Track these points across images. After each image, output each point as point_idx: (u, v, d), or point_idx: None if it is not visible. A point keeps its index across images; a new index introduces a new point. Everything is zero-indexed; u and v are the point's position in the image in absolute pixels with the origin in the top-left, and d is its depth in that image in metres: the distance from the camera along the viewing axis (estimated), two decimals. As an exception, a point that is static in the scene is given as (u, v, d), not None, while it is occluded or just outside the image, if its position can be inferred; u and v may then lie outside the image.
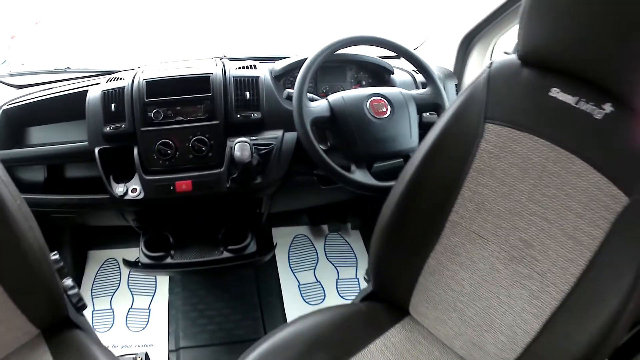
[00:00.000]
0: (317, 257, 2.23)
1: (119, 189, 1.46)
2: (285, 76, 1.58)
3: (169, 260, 1.53)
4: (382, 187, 1.32)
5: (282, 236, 2.31)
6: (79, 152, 1.53)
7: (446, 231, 1.01)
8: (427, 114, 1.53)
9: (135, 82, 1.46)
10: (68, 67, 1.83)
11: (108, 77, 1.57)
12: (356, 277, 2.15)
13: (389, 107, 1.37)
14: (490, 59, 1.74)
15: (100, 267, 2.24)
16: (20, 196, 1.10)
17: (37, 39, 2.41)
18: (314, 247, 2.28)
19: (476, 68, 1.78)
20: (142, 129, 1.44)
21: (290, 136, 1.48)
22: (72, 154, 1.55)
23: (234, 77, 1.48)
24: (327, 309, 1.19)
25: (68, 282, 1.26)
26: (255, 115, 1.47)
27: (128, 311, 2.05)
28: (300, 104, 1.32)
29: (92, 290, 2.13)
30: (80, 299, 1.28)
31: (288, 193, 1.67)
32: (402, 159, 1.43)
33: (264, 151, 1.44)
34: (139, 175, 1.45)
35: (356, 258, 2.24)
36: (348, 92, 1.40)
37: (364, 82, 1.68)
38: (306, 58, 1.41)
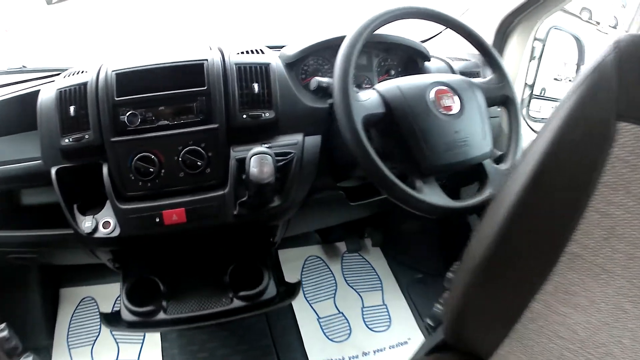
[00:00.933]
0: (336, 283, 1.94)
1: (85, 224, 1.12)
2: (299, 64, 1.27)
3: (161, 315, 1.18)
4: (466, 209, 1.04)
5: (291, 259, 2.02)
6: (30, 174, 1.18)
7: (561, 266, 0.81)
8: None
9: (102, 76, 1.11)
10: (24, 67, 1.50)
11: (67, 72, 1.22)
12: (383, 304, 1.87)
13: (457, 100, 1.06)
14: (533, 44, 1.53)
15: (76, 309, 1.90)
16: None
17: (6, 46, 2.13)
18: (330, 270, 1.99)
19: (515, 55, 1.55)
20: (113, 139, 1.09)
21: (313, 141, 1.18)
22: (22, 177, 1.20)
23: (236, 64, 1.14)
24: None
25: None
26: (267, 114, 1.14)
27: None
28: (347, 96, 0.97)
29: (68, 338, 1.78)
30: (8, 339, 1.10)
31: (305, 213, 1.35)
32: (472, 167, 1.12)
33: (282, 163, 1.12)
34: (111, 204, 1.11)
35: (380, 280, 1.96)
36: (403, 81, 1.08)
37: (392, 72, 1.37)
38: (341, 36, 1.09)
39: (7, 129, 1.30)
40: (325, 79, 1.07)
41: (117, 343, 1.76)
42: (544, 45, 1.51)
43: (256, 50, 1.20)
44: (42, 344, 1.74)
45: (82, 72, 1.16)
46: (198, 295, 1.23)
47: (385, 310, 1.85)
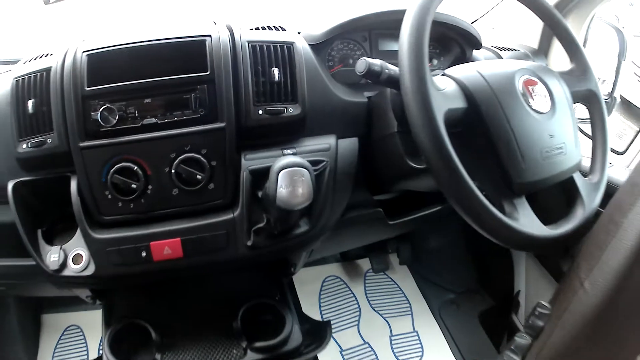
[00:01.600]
0: (359, 307, 1.73)
1: (51, 257, 0.88)
2: (326, 48, 1.05)
3: None
4: (567, 237, 0.82)
5: (306, 281, 1.81)
6: None
7: None
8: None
9: (69, 59, 0.87)
10: None
11: (30, 56, 0.98)
12: (414, 330, 1.68)
13: (546, 94, 0.85)
14: (587, 34, 1.35)
15: (60, 338, 1.70)
16: None
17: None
18: (352, 292, 1.78)
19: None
20: (82, 144, 0.84)
21: (348, 146, 0.97)
22: None
23: (249, 42, 0.90)
24: None
25: None
26: (291, 110, 0.90)
27: None
28: (425, 82, 0.72)
29: None
30: None
31: (331, 235, 1.11)
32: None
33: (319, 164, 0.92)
34: (82, 231, 0.86)
35: (409, 303, 1.75)
36: (483, 66, 0.85)
37: (434, 61, 1.16)
38: (379, 12, 0.98)
39: None
40: (377, 61, 0.82)
41: None
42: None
43: (275, 27, 0.97)
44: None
45: (47, 55, 0.92)
46: (200, 345, 0.99)
47: (417, 338, 1.66)
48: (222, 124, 0.84)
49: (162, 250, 0.84)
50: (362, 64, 0.79)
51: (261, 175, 0.84)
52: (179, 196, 0.85)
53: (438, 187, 0.73)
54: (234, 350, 0.97)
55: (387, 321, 1.69)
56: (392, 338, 1.65)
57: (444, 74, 0.82)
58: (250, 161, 0.87)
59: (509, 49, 1.25)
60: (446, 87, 0.78)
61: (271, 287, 1.07)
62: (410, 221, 1.14)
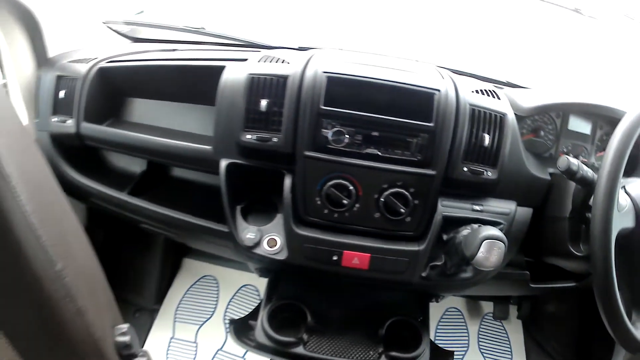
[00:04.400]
0: (468, 344, 1.83)
1: (248, 234, 1.03)
2: (530, 117, 1.14)
3: (299, 349, 1.06)
4: None
5: (432, 305, 1.86)
6: (196, 158, 1.11)
7: None
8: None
9: (309, 73, 0.99)
10: (202, 28, 1.46)
11: (262, 54, 1.11)
12: None
13: None
14: None
15: (195, 284, 1.89)
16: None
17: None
18: (467, 329, 1.88)
19: None
20: (307, 152, 0.98)
21: (524, 214, 1.06)
22: (186, 158, 1.13)
23: (471, 105, 1.00)
24: None
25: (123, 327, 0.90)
26: (489, 173, 1.00)
27: (216, 353, 1.71)
28: (611, 201, 0.82)
29: (176, 311, 1.78)
30: (128, 347, 0.93)
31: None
32: None
33: None
34: (285, 223, 1.02)
35: (512, 355, 1.82)
36: None
37: None
38: (612, 109, 1.02)
39: (175, 95, 1.27)
40: (575, 161, 0.90)
41: (226, 333, 1.74)
42: None
43: (492, 93, 1.06)
44: (149, 307, 1.76)
45: (282, 61, 1.04)
46: (343, 339, 1.11)
47: None
48: (434, 172, 0.95)
49: (351, 259, 0.98)
50: (564, 162, 0.89)
51: (450, 222, 0.96)
52: (379, 220, 0.98)
53: (590, 282, 0.85)
54: (370, 352, 1.07)
55: None
56: None
57: (623, 187, 0.90)
58: (445, 208, 0.98)
59: None
60: (625, 206, 0.86)
61: (417, 308, 1.17)
62: (548, 288, 1.20)
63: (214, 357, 1.69)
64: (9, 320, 0.66)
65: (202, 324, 1.77)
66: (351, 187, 0.96)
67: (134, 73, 1.26)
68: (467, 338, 1.83)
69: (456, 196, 1.00)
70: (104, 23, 1.53)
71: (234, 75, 1.04)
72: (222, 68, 1.08)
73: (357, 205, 0.97)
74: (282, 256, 1.01)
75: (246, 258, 1.11)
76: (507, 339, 1.85)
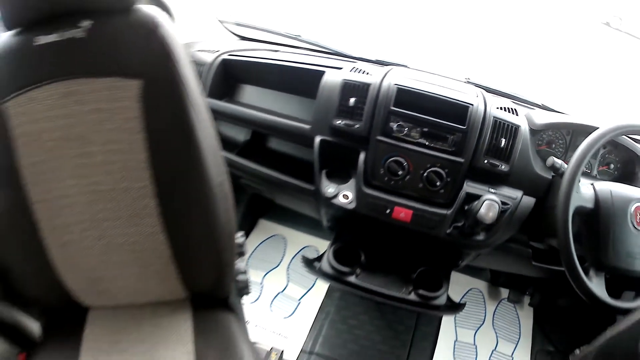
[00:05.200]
0: (484, 320, 2.14)
1: (329, 189, 1.43)
2: (542, 132, 1.47)
3: (352, 278, 1.46)
4: (617, 308, 1.22)
5: (458, 283, 2.25)
6: (296, 134, 1.52)
7: None
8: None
9: (385, 84, 1.40)
10: (299, 36, 1.85)
11: (352, 65, 1.53)
12: (511, 356, 2.03)
13: None
14: None
15: (265, 240, 2.31)
16: (225, 173, 1.11)
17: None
18: (485, 307, 2.19)
19: None
20: (378, 137, 1.39)
21: (528, 201, 1.39)
22: (288, 132, 1.55)
23: (494, 117, 1.38)
24: None
25: (241, 264, 1.29)
26: (503, 167, 1.36)
27: (277, 295, 2.10)
28: (572, 186, 1.19)
29: (249, 259, 2.18)
30: (247, 286, 1.31)
31: (492, 252, 1.56)
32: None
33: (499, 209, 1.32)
34: (356, 184, 1.41)
35: (519, 336, 2.11)
36: (617, 187, 1.27)
37: (611, 166, 1.53)
38: (582, 125, 1.34)
39: (278, 86, 1.67)
40: (559, 161, 1.25)
41: (288, 280, 2.15)
42: None
43: (512, 110, 1.43)
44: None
45: (367, 73, 1.46)
46: (386, 276, 1.48)
47: None
48: (462, 160, 1.34)
49: (399, 213, 1.36)
50: (550, 160, 1.27)
51: (470, 197, 1.33)
52: (421, 189, 1.36)
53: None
54: (403, 288, 1.44)
55: (497, 339, 2.06)
56: (494, 352, 2.02)
57: (591, 184, 1.26)
58: (468, 187, 1.35)
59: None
60: (587, 193, 1.23)
61: (441, 265, 1.53)
62: (547, 270, 1.49)
63: (275, 297, 2.09)
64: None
65: (269, 271, 2.18)
66: (405, 164, 1.36)
67: (248, 66, 1.68)
68: (484, 315, 2.12)
69: (478, 180, 1.36)
70: (219, 21, 1.94)
71: (333, 78, 1.47)
72: (321, 72, 1.51)
73: (407, 176, 1.37)
74: (351, 206, 1.40)
75: (325, 207, 1.49)
76: (517, 322, 2.13)
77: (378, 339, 1.95)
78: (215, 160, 1.07)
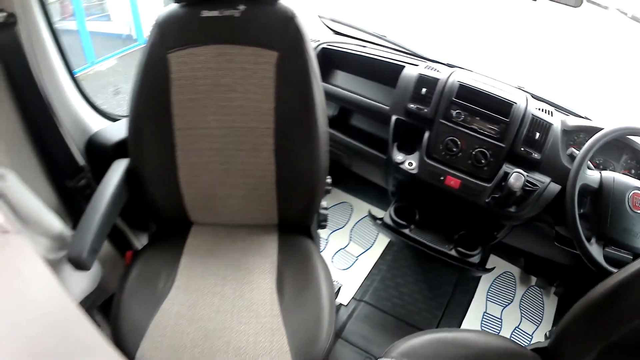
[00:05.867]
0: (512, 300, 2.35)
1: (398, 157, 1.80)
2: (572, 133, 1.71)
3: (407, 231, 1.85)
4: (604, 270, 1.46)
5: (495, 265, 2.42)
6: (377, 112, 1.90)
7: None
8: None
9: (450, 80, 1.76)
10: (384, 36, 2.22)
11: (426, 64, 1.89)
12: (531, 335, 2.22)
13: None
14: None
15: (335, 205, 2.72)
16: (327, 128, 1.49)
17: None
18: (515, 290, 2.41)
19: None
20: (441, 120, 1.75)
21: (554, 187, 1.64)
22: (371, 110, 1.93)
23: (532, 115, 1.67)
24: (499, 336, 1.37)
25: (324, 203, 1.65)
26: (535, 155, 1.65)
27: (339, 250, 2.47)
28: (580, 167, 1.49)
29: None
30: (325, 220, 1.67)
31: (523, 231, 1.86)
32: (632, 256, 1.55)
33: (528, 189, 1.62)
34: (420, 155, 1.77)
35: (541, 320, 2.30)
36: (620, 176, 1.53)
37: (632, 171, 1.73)
38: (600, 128, 1.56)
39: (365, 74, 2.04)
40: (576, 151, 1.55)
41: (350, 239, 2.53)
42: None
43: (548, 111, 1.72)
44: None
45: (437, 70, 1.82)
46: (434, 233, 1.86)
47: (529, 340, 2.20)
48: (503, 145, 1.66)
49: (450, 182, 1.70)
50: (569, 151, 1.61)
51: (507, 176, 1.62)
52: (469, 165, 1.70)
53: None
54: (446, 245, 1.82)
55: (521, 318, 2.26)
56: (516, 329, 2.22)
57: (599, 171, 1.53)
58: (506, 167, 1.65)
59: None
60: (593, 175, 1.51)
61: (480, 234, 1.87)
62: (566, 253, 1.70)
63: (336, 252, 2.45)
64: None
65: (334, 231, 2.56)
66: (459, 143, 1.71)
67: (343, 55, 2.08)
68: (513, 295, 2.34)
69: (514, 163, 1.65)
70: (319, 17, 2.32)
71: (410, 72, 1.85)
72: (402, 67, 1.89)
73: (460, 153, 1.72)
74: (414, 172, 1.76)
75: (394, 172, 1.83)
76: (542, 308, 2.33)
77: (419, 297, 2.26)
78: (323, 117, 1.44)
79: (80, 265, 1.24)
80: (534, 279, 2.46)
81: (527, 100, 1.73)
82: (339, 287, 2.12)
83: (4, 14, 1.28)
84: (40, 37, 1.46)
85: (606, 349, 1.07)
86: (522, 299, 2.37)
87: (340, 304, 2.20)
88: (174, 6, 1.41)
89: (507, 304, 2.34)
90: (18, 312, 1.11)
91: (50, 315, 1.10)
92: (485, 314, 2.27)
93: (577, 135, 1.72)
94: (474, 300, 2.32)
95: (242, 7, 1.37)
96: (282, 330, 1.29)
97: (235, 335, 1.28)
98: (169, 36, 1.39)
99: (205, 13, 1.38)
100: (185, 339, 1.27)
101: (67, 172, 1.58)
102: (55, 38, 1.50)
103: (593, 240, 1.51)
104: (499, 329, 2.22)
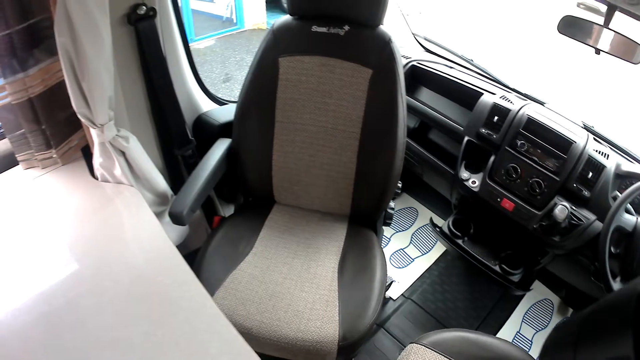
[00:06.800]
0: (547, 326, 2.43)
1: (464, 174, 2.01)
2: (625, 178, 1.76)
3: (460, 241, 2.06)
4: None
5: (537, 291, 2.60)
6: (452, 130, 2.12)
7: None
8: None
9: (520, 112, 1.94)
10: (471, 60, 2.43)
11: (501, 94, 2.05)
12: None
13: None
14: None
15: (402, 208, 2.97)
16: (405, 139, 1.68)
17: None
18: (551, 317, 2.49)
19: None
20: (506, 147, 1.93)
21: (598, 225, 1.71)
22: (447, 128, 2.14)
23: (589, 155, 1.75)
24: (521, 350, 1.43)
25: (392, 204, 1.85)
26: (585, 192, 1.73)
27: (398, 250, 2.73)
28: (617, 209, 1.56)
29: None
30: (391, 218, 1.89)
31: (566, 262, 1.99)
32: None
33: (574, 222, 1.72)
34: (484, 176, 1.97)
35: None
36: None
37: None
38: None
39: (446, 94, 2.24)
40: (619, 194, 1.63)
41: (410, 242, 2.77)
42: None
43: (605, 154, 1.78)
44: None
45: (510, 101, 1.99)
46: (483, 248, 2.05)
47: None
48: (558, 179, 1.76)
49: (506, 203, 1.86)
50: (614, 193, 1.72)
51: (555, 207, 1.76)
52: (525, 192, 1.83)
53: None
54: (492, 261, 2.01)
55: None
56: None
57: (637, 217, 1.59)
58: (557, 199, 1.76)
59: None
60: (630, 219, 1.58)
61: (525, 256, 1.99)
62: (602, 290, 1.59)
63: (395, 251, 2.71)
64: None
65: (397, 232, 2.82)
66: (519, 170, 1.88)
67: (429, 74, 2.29)
68: (548, 322, 2.42)
69: (566, 197, 1.76)
70: (413, 34, 2.52)
71: (487, 99, 2.04)
72: (481, 93, 2.08)
73: (518, 180, 1.88)
74: (476, 190, 1.96)
75: (458, 187, 2.01)
76: None
77: (461, 306, 2.42)
78: (403, 129, 1.68)
79: (179, 220, 1.53)
80: (570, 311, 2.52)
81: (587, 140, 1.80)
82: (391, 282, 2.38)
83: (146, 7, 1.60)
84: (171, 27, 1.79)
85: None
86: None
87: (390, 298, 2.44)
88: (288, 17, 1.69)
89: (540, 328, 2.42)
90: (126, 245, 1.43)
91: (152, 251, 1.38)
92: (518, 333, 2.37)
93: (629, 180, 1.77)
94: (510, 318, 2.43)
95: (347, 27, 1.64)
96: (336, 303, 1.52)
97: (296, 300, 1.52)
98: (282, 43, 1.66)
99: (315, 28, 1.65)
100: (254, 295, 1.53)
101: (177, 142, 1.91)
102: (180, 26, 1.81)
103: (618, 278, 1.57)
104: (528, 350, 2.29)
